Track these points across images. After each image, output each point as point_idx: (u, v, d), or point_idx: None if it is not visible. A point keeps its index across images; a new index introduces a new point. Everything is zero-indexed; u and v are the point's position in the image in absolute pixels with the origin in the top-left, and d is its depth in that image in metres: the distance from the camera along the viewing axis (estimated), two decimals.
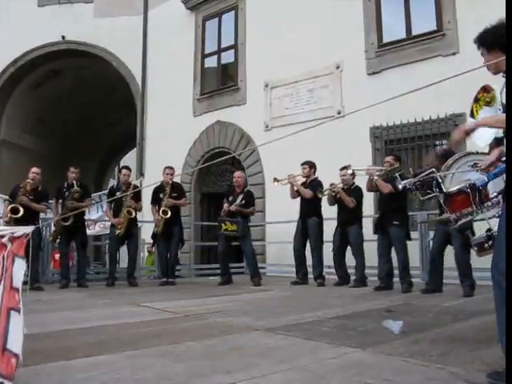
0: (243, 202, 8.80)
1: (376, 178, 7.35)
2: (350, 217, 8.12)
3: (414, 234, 8.75)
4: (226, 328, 4.29)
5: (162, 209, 8.83)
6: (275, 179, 8.72)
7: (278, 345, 3.61)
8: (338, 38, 11.02)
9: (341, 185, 8.27)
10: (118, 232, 8.99)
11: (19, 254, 2.01)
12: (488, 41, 2.90)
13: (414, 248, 8.48)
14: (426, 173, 5.78)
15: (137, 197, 9.02)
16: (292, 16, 11.98)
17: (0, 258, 2.18)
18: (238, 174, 9.24)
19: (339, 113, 10.76)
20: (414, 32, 10.23)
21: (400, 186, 6.46)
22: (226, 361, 3.14)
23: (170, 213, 8.79)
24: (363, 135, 10.37)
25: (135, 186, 9.58)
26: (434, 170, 5.67)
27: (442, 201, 5.71)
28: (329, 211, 8.47)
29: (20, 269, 1.97)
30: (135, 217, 9.17)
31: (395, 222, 7.29)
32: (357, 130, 10.18)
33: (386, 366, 2.96)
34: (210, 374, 2.86)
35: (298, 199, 8.74)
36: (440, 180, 5.51)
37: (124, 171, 9.38)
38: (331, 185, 8.31)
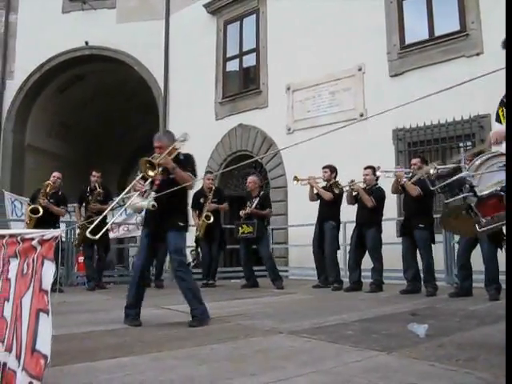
0: (258, 204, 8.86)
1: (405, 180, 7.28)
2: (368, 218, 7.93)
3: (439, 237, 8.66)
4: (249, 331, 4.29)
5: (205, 214, 8.96)
6: (295, 178, 8.68)
7: (302, 348, 3.60)
8: (360, 40, 10.97)
9: (362, 184, 8.14)
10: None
11: (48, 257, 2.04)
12: None
13: (438, 251, 8.40)
14: (460, 175, 5.69)
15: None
16: (313, 19, 11.95)
17: (30, 261, 2.22)
18: (250, 179, 9.23)
19: (362, 115, 10.71)
20: (437, 33, 10.13)
21: (432, 188, 6.39)
22: (250, 363, 3.14)
23: (212, 218, 8.94)
24: (386, 137, 10.29)
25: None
26: (468, 172, 5.58)
27: (473, 204, 5.62)
28: (351, 214, 8.39)
29: (49, 271, 2.00)
30: None
31: (420, 225, 7.21)
32: (379, 132, 10.11)
33: (412, 370, 2.93)
34: (234, 377, 2.86)
35: (317, 202, 8.69)
36: (475, 183, 5.41)
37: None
38: (351, 181, 8.21)
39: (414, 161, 7.60)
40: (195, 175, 5.01)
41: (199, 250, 9.99)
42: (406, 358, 3.21)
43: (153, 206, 4.62)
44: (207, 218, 8.95)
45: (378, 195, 8.00)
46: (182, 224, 4.93)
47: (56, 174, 8.68)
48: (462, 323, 4.61)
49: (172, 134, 5.30)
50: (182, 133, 5.37)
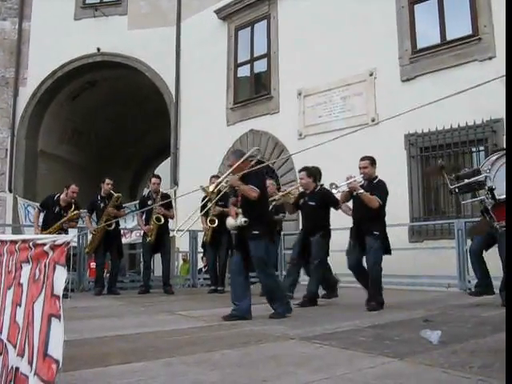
0: (273, 208, 8.54)
1: (361, 191, 6.36)
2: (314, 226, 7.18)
3: (451, 243, 8.60)
4: (261, 336, 4.27)
5: (209, 218, 8.83)
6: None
7: (314, 354, 3.58)
8: (372, 45, 10.95)
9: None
10: (148, 239, 9.11)
11: (60, 262, 2.04)
12: None
13: (451, 256, 8.36)
14: (479, 178, 5.55)
15: (168, 205, 9.07)
16: (324, 24, 11.95)
17: (42, 266, 2.22)
18: (268, 183, 8.76)
19: (373, 120, 10.68)
20: (449, 37, 10.09)
21: (451, 187, 6.12)
22: (261, 369, 3.12)
23: (217, 221, 8.80)
24: (398, 142, 10.25)
25: (165, 195, 9.65)
26: (488, 175, 5.43)
27: (489, 207, 5.51)
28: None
29: (61, 276, 2.00)
30: (167, 225, 9.23)
31: (375, 232, 6.35)
32: (391, 137, 10.07)
33: (426, 377, 2.91)
34: (245, 383, 2.86)
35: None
36: (494, 186, 5.28)
37: (153, 180, 9.43)
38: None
39: (301, 175, 7.02)
40: (258, 186, 5.48)
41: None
42: (419, 365, 3.18)
43: (245, 221, 5.44)
44: (212, 222, 8.83)
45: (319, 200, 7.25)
46: (256, 233, 5.46)
47: (75, 188, 8.79)
48: (476, 330, 4.56)
49: (239, 152, 6.00)
50: (254, 148, 5.88)
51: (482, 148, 9.42)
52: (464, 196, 6.50)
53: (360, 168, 6.62)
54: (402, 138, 10.29)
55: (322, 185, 7.73)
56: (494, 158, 5.52)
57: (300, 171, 7.53)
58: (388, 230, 7.53)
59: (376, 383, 2.78)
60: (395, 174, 9.87)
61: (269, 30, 13.43)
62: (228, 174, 5.57)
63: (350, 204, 6.79)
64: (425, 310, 5.97)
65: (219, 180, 5.61)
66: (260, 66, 13.80)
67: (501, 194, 4.12)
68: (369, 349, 3.66)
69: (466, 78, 8.87)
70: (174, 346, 3.94)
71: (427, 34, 10.54)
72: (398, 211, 8.91)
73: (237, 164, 5.55)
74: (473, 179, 5.62)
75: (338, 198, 6.89)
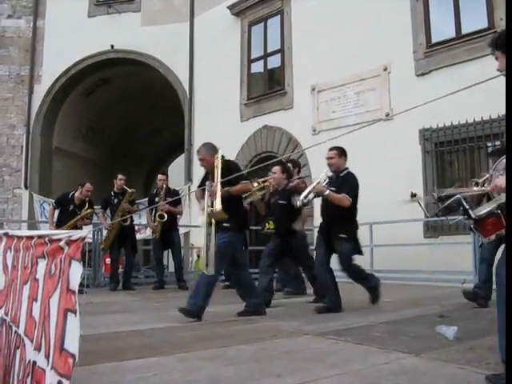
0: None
1: (327, 192, 5.78)
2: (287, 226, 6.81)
3: (467, 238, 8.52)
4: (275, 332, 4.27)
5: None
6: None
7: (328, 349, 3.57)
8: (386, 39, 10.87)
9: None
10: (153, 236, 9.19)
11: (75, 257, 2.05)
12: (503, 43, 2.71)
13: (466, 252, 8.28)
14: (452, 199, 5.44)
15: (175, 201, 9.08)
16: (338, 19, 11.89)
17: (57, 261, 2.24)
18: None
19: (387, 115, 10.61)
20: (464, 31, 9.97)
21: (428, 215, 6.01)
22: (276, 364, 3.13)
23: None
24: (412, 138, 10.17)
25: (173, 191, 9.61)
26: (459, 196, 5.29)
27: (472, 226, 5.38)
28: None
29: (76, 271, 2.01)
30: (174, 222, 9.28)
31: (342, 235, 5.82)
32: (406, 132, 10.00)
33: (441, 373, 2.89)
34: (260, 378, 2.86)
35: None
36: (467, 206, 5.16)
37: (159, 176, 9.43)
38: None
39: (274, 169, 6.45)
40: (246, 179, 5.52)
41: None
42: (434, 361, 3.17)
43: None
44: None
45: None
46: (226, 225, 5.29)
47: (89, 186, 8.91)
48: (492, 326, 4.48)
49: (208, 145, 5.72)
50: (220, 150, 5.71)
51: (497, 143, 9.31)
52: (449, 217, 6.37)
53: (327, 159, 6.10)
54: (417, 133, 10.21)
55: (300, 178, 7.63)
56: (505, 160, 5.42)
57: (275, 165, 7.11)
58: (403, 225, 7.48)
59: (391, 379, 2.76)
60: (410, 170, 9.84)
61: (282, 26, 13.38)
62: (218, 178, 5.24)
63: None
64: (440, 306, 5.92)
65: (218, 192, 5.13)
66: (273, 62, 13.76)
67: (479, 211, 4.02)
68: (384, 344, 3.64)
69: (481, 72, 8.75)
70: (188, 341, 3.96)
71: (442, 28, 10.43)
72: (413, 206, 8.86)
73: (220, 164, 5.33)
74: (450, 201, 5.49)
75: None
